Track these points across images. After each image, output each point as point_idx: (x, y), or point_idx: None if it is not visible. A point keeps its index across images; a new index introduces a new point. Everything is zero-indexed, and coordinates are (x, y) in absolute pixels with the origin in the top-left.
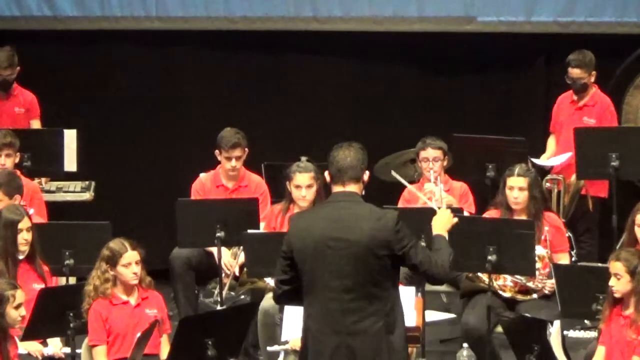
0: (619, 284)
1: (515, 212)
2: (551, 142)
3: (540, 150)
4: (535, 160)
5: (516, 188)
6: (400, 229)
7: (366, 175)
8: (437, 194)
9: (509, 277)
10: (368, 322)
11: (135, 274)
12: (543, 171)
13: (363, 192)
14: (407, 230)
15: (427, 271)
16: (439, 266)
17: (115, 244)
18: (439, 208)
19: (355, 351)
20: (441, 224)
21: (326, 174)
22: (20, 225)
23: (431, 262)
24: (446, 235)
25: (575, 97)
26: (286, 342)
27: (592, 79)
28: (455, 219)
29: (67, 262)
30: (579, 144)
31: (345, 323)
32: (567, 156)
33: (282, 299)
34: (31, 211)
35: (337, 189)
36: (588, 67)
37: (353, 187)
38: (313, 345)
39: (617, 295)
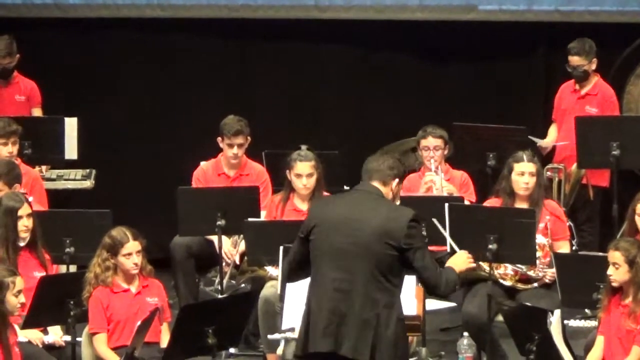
0: (618, 274)
1: (517, 200)
2: (552, 130)
3: (540, 138)
4: (533, 138)
5: (527, 173)
6: (414, 226)
7: (395, 183)
8: (437, 183)
9: (509, 266)
10: (363, 308)
11: (135, 264)
12: (543, 160)
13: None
14: (421, 236)
15: (429, 278)
16: (443, 279)
17: (117, 232)
18: (459, 250)
19: (342, 334)
20: (456, 263)
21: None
22: (20, 212)
23: (436, 271)
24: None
25: (577, 86)
26: (286, 331)
27: (593, 67)
28: (473, 264)
29: (67, 250)
30: (580, 133)
31: (341, 305)
32: (563, 142)
33: (294, 277)
34: (30, 199)
35: (363, 182)
36: (587, 54)
37: (377, 184)
38: (312, 323)
39: (615, 284)
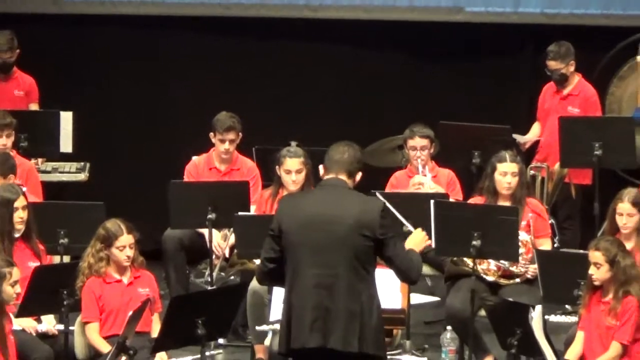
0: (599, 273)
1: (500, 198)
2: (535, 128)
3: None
4: (514, 135)
5: (509, 173)
6: (385, 216)
7: (359, 176)
8: (426, 184)
9: (492, 262)
10: (347, 300)
11: (128, 256)
12: (525, 157)
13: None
14: (391, 224)
15: (402, 265)
16: (414, 264)
17: (112, 225)
18: (415, 229)
19: (331, 328)
20: (415, 243)
21: (321, 167)
22: (16, 204)
23: (407, 258)
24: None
25: (559, 87)
26: (274, 322)
27: (571, 69)
28: (429, 242)
29: (61, 241)
30: (563, 133)
31: (325, 298)
32: (537, 138)
33: (267, 278)
34: (24, 189)
35: (330, 176)
36: (564, 58)
37: (344, 177)
38: (295, 320)
39: (596, 283)
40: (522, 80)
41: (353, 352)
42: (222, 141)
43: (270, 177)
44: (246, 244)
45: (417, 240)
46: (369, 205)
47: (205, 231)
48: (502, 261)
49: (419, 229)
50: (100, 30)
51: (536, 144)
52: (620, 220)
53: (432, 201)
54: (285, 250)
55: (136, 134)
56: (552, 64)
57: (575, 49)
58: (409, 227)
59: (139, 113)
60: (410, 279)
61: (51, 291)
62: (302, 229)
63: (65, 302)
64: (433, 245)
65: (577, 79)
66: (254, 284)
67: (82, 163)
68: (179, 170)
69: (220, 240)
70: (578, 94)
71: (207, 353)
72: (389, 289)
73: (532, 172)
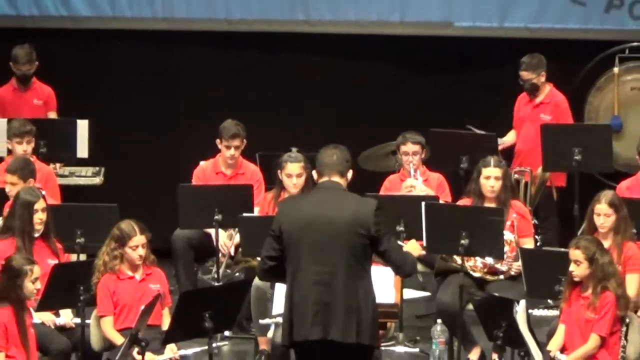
0: (579, 270)
1: (486, 200)
2: (510, 135)
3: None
4: (472, 127)
5: (493, 177)
6: (378, 214)
7: (350, 174)
8: (417, 187)
9: (479, 259)
10: (345, 295)
11: (140, 255)
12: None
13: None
14: (384, 221)
15: (396, 259)
16: (408, 259)
17: (126, 225)
18: (409, 240)
19: (332, 321)
20: (412, 250)
21: (314, 172)
22: (36, 206)
23: (401, 253)
24: None
25: (531, 96)
26: (276, 316)
27: (542, 79)
28: (423, 252)
29: (78, 240)
30: (545, 139)
31: (325, 293)
32: (511, 142)
33: (267, 275)
34: (43, 192)
35: (324, 179)
36: (535, 68)
37: (338, 179)
38: (297, 314)
39: (576, 279)
40: (507, 90)
41: (351, 343)
42: (228, 147)
43: (272, 181)
44: (250, 243)
45: (414, 248)
46: (363, 205)
47: (212, 231)
48: (488, 258)
49: (413, 240)
50: (113, 44)
51: (512, 150)
52: (598, 221)
53: (423, 203)
54: (286, 249)
55: (147, 140)
56: (525, 74)
57: (557, 61)
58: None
59: (149, 121)
60: (404, 271)
61: (69, 287)
62: (302, 230)
63: (81, 297)
64: (424, 244)
65: (548, 88)
66: (258, 280)
67: (97, 168)
68: (188, 175)
69: (226, 240)
70: (549, 102)
71: (214, 345)
72: (383, 285)
73: (516, 176)
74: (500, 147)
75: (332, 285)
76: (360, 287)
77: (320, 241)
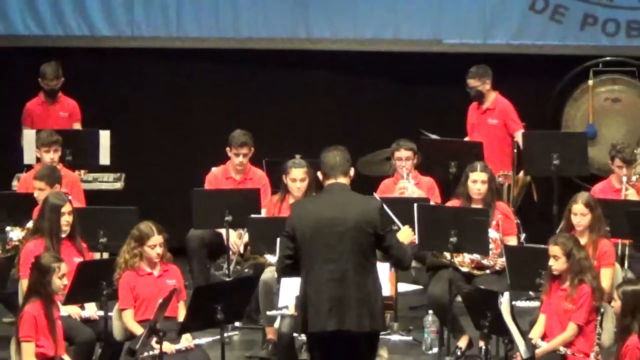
0: (557, 264)
1: (473, 202)
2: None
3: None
4: (427, 133)
5: (479, 181)
6: (383, 213)
7: (352, 171)
8: (409, 189)
9: (467, 255)
10: (357, 289)
11: (158, 254)
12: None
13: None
14: (387, 219)
15: (397, 254)
16: (407, 253)
17: (145, 226)
18: (403, 226)
19: (345, 313)
20: (403, 237)
21: (319, 173)
22: (63, 209)
23: (401, 248)
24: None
25: (477, 104)
26: (282, 308)
27: (487, 87)
28: (414, 238)
29: (101, 240)
30: (526, 146)
31: (338, 290)
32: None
33: (285, 272)
34: (69, 197)
35: (329, 182)
36: (480, 77)
37: (343, 180)
38: (311, 309)
39: (555, 273)
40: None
41: (365, 331)
42: (237, 155)
43: (278, 185)
44: (258, 241)
45: (405, 235)
46: (369, 205)
47: (223, 231)
48: (475, 255)
49: (407, 226)
50: (132, 61)
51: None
52: (575, 219)
53: (415, 204)
54: (300, 249)
55: (164, 148)
56: (471, 82)
57: (536, 75)
58: (399, 224)
59: (165, 131)
60: (403, 265)
61: (93, 283)
62: (314, 231)
63: (104, 292)
64: (416, 242)
65: (493, 95)
66: (265, 275)
67: (118, 174)
68: (200, 180)
69: (236, 239)
70: (494, 107)
71: (225, 334)
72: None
73: (500, 179)
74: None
75: (345, 281)
76: (369, 280)
77: (332, 241)
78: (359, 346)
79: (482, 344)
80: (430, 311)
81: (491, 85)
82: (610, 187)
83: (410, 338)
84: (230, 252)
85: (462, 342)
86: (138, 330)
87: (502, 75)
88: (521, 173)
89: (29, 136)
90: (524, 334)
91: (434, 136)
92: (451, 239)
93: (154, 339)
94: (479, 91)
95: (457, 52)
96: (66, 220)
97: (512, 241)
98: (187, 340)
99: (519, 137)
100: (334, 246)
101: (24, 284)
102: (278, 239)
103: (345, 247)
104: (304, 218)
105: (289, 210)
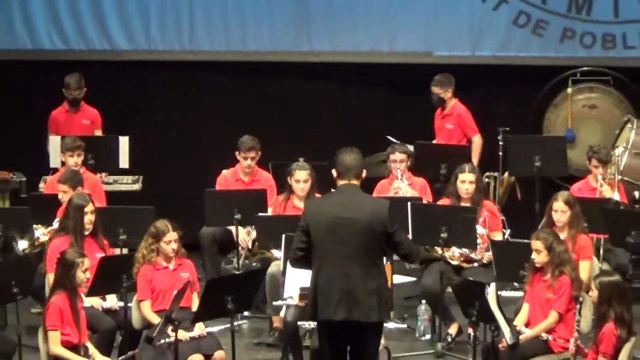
0: (539, 257)
1: (462, 200)
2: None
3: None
4: (390, 138)
5: (467, 181)
6: (391, 212)
7: (364, 173)
8: (403, 189)
9: (456, 250)
10: (366, 282)
11: (173, 249)
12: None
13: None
14: (395, 218)
15: (406, 250)
16: (414, 250)
17: (161, 224)
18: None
19: (354, 304)
20: None
21: (333, 171)
22: (85, 209)
23: (410, 244)
24: None
25: (440, 109)
26: (287, 298)
27: (448, 95)
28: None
29: (121, 237)
30: (509, 149)
31: (347, 283)
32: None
33: (298, 263)
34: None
35: (343, 182)
36: (442, 85)
37: (355, 181)
38: (321, 300)
39: (538, 265)
40: (478, 108)
41: (374, 322)
42: (245, 158)
43: (283, 186)
44: (265, 238)
45: None
46: (378, 207)
47: (232, 228)
48: (464, 249)
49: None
50: (148, 72)
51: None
52: (555, 216)
53: (409, 203)
54: (313, 243)
55: (178, 153)
56: (434, 89)
57: (519, 83)
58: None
59: (180, 136)
60: (412, 259)
61: (113, 276)
62: (326, 228)
63: (124, 284)
64: (410, 237)
65: (453, 102)
66: (271, 269)
67: (137, 176)
68: (212, 181)
69: (245, 235)
70: (452, 113)
71: (235, 323)
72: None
73: (486, 179)
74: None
75: (354, 275)
76: (377, 274)
77: (343, 238)
78: (366, 335)
79: (470, 330)
80: (423, 301)
81: (453, 93)
82: (587, 186)
83: (405, 325)
84: (240, 248)
85: (453, 329)
86: (155, 319)
87: (488, 84)
88: (506, 174)
89: (54, 142)
90: (509, 322)
91: (396, 142)
92: (442, 235)
93: (170, 328)
94: (441, 98)
95: (447, 63)
96: (89, 219)
97: (498, 236)
98: (200, 329)
99: (475, 141)
100: (345, 243)
101: (50, 277)
102: (283, 235)
103: (355, 244)
104: (317, 215)
105: (294, 209)
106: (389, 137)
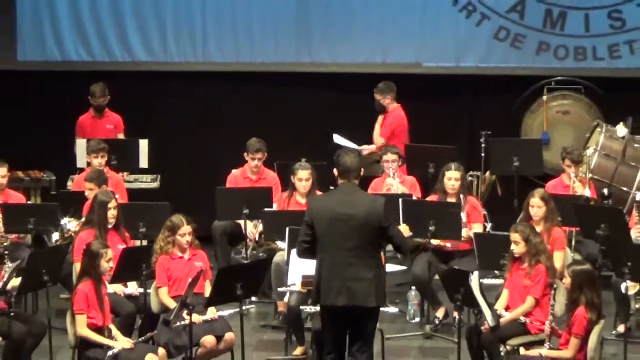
0: (517, 248)
1: (448, 196)
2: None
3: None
4: (336, 139)
5: (453, 178)
6: (386, 209)
7: (361, 172)
8: (394, 186)
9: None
10: (364, 272)
11: (187, 241)
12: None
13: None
14: (389, 214)
15: (399, 242)
16: (406, 242)
17: (176, 218)
18: (402, 222)
19: (354, 291)
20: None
21: (335, 171)
22: (109, 205)
23: (402, 237)
24: None
25: (380, 114)
26: (290, 285)
27: (387, 101)
28: (411, 233)
29: (140, 230)
30: (490, 150)
31: (348, 272)
32: (371, 148)
33: (304, 254)
34: (116, 196)
35: (343, 181)
36: (382, 92)
37: (355, 180)
38: (324, 287)
39: (516, 255)
40: (462, 113)
41: (372, 306)
42: (253, 159)
43: (286, 183)
44: (270, 231)
45: (404, 229)
46: (375, 204)
47: (241, 222)
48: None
49: (404, 224)
50: (166, 82)
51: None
52: (532, 211)
53: (400, 199)
54: (317, 235)
55: (192, 154)
56: (375, 96)
57: (500, 91)
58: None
59: (193, 139)
60: (404, 251)
61: (134, 265)
62: (328, 223)
63: (144, 273)
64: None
65: (391, 107)
66: (276, 258)
67: (155, 175)
68: (223, 180)
69: (252, 229)
70: (387, 118)
71: (243, 307)
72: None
73: (470, 178)
74: (364, 152)
75: (354, 265)
76: (374, 264)
77: (344, 232)
78: (364, 318)
79: (456, 314)
80: (413, 287)
81: (392, 99)
82: (561, 183)
83: (397, 310)
84: (248, 239)
85: (440, 313)
86: (171, 304)
87: (472, 92)
88: (487, 173)
89: (80, 145)
90: (491, 306)
91: (337, 136)
92: (430, 228)
93: (185, 312)
94: (381, 104)
95: (434, 73)
96: (112, 213)
97: (479, 228)
98: (212, 312)
99: (376, 142)
100: (345, 236)
101: (77, 266)
102: (287, 229)
103: (355, 237)
104: (321, 211)
105: (297, 204)
106: (329, 129)
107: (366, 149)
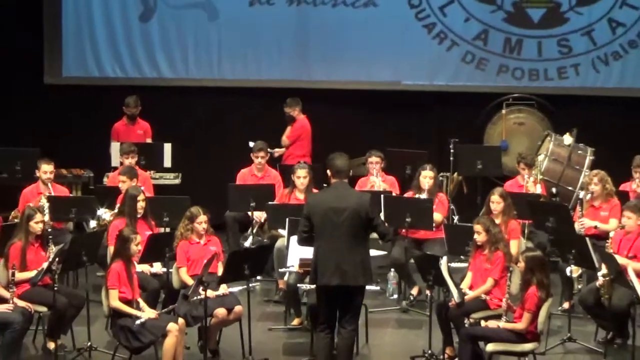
0: (480, 237)
1: (422, 193)
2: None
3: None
4: (270, 150)
5: (427, 177)
6: (371, 203)
7: (350, 171)
8: (377, 184)
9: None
10: (354, 255)
11: (204, 228)
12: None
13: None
14: (375, 207)
15: (383, 231)
16: (389, 230)
17: (194, 209)
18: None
19: (346, 272)
20: None
21: (328, 171)
22: (138, 198)
23: (385, 226)
24: None
25: (288, 125)
26: (290, 266)
27: (294, 113)
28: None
29: (164, 219)
30: (458, 154)
31: (340, 255)
32: (282, 150)
33: (304, 242)
34: (142, 188)
35: (335, 180)
36: (290, 106)
37: (345, 180)
38: (320, 268)
39: (479, 243)
40: (434, 124)
41: (360, 285)
42: (256, 157)
43: (287, 181)
44: (274, 220)
45: None
46: (362, 199)
47: (249, 213)
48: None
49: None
50: (187, 95)
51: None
52: (492, 206)
53: (382, 196)
54: (314, 226)
55: (208, 155)
56: (286, 109)
57: (466, 106)
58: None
59: (210, 143)
60: (387, 238)
61: (159, 249)
62: (323, 215)
63: (167, 255)
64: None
65: (300, 117)
66: (278, 244)
67: (177, 173)
68: (233, 177)
69: (259, 214)
70: (296, 125)
71: (250, 285)
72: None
73: (441, 178)
74: (275, 155)
75: (345, 251)
76: (362, 249)
77: (336, 223)
78: (353, 294)
79: (428, 292)
80: (392, 269)
81: (300, 111)
82: (517, 183)
83: (378, 288)
84: (254, 221)
85: (414, 291)
86: (190, 282)
87: (442, 106)
88: (455, 174)
89: (114, 147)
90: (457, 285)
91: (276, 150)
92: (407, 219)
93: (201, 288)
94: (290, 116)
95: (411, 90)
96: (140, 205)
97: (439, 217)
98: (223, 289)
99: (284, 142)
100: (338, 226)
101: (111, 249)
102: (287, 219)
103: (345, 227)
104: (317, 205)
105: (296, 199)
106: (250, 142)
107: (277, 151)
